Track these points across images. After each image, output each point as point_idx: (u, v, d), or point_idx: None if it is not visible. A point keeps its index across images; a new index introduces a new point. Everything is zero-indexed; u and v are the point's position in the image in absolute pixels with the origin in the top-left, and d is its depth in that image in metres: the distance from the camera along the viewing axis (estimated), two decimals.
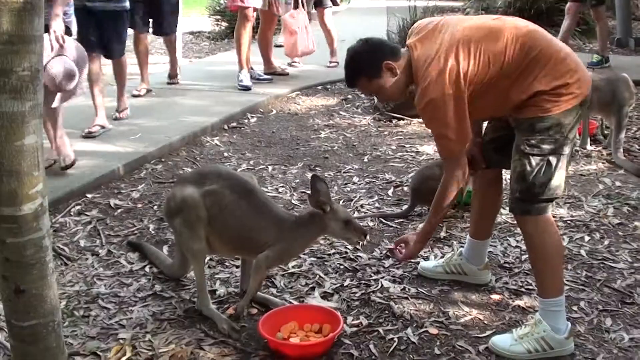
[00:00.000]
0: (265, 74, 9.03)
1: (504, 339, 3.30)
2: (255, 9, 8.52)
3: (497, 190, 3.80)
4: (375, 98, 7.22)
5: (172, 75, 8.73)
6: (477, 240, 3.88)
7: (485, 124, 3.72)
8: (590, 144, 6.25)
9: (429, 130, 3.65)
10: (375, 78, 3.32)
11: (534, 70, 3.11)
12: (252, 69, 8.79)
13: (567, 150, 3.19)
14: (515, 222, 4.58)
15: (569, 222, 4.66)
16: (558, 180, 3.20)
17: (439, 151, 3.40)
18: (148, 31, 8.29)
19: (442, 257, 4.10)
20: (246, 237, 3.52)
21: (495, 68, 3.13)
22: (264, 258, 3.45)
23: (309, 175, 5.55)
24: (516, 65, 3.12)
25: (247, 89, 8.38)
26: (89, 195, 5.14)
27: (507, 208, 4.68)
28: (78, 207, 4.95)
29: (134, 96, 7.87)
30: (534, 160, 3.15)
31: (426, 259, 4.17)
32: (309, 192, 3.43)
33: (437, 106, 3.15)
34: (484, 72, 3.14)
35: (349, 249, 4.29)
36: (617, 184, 5.40)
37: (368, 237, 3.58)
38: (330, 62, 9.87)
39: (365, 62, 3.33)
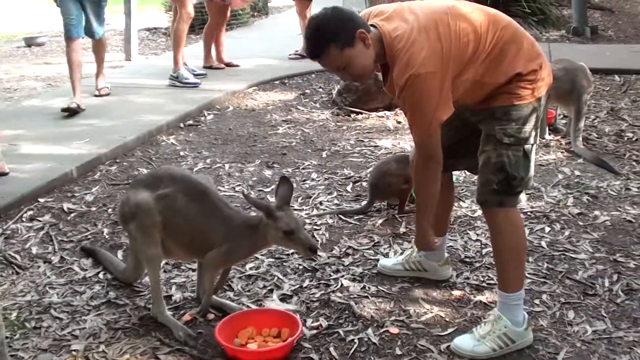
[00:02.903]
0: (204, 67, 8.97)
1: (466, 340, 3.24)
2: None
3: (450, 190, 3.76)
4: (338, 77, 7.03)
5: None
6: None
7: None
8: (549, 134, 6.25)
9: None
10: (348, 47, 3.00)
11: (510, 51, 3.06)
12: (185, 64, 8.51)
13: (537, 139, 3.19)
14: (474, 216, 4.58)
15: (528, 213, 4.63)
16: (532, 170, 3.19)
17: (417, 134, 3.16)
18: None
19: (401, 254, 4.03)
20: (199, 240, 3.44)
21: (472, 49, 3.03)
22: (210, 258, 3.40)
23: (267, 172, 5.51)
24: (492, 46, 3.04)
25: (195, 85, 8.21)
26: (42, 200, 5.01)
27: (468, 201, 4.72)
28: (30, 213, 4.82)
29: None
30: (512, 151, 3.09)
31: (386, 255, 4.11)
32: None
33: (420, 81, 2.94)
34: (464, 52, 3.02)
35: None
36: (577, 173, 5.39)
37: (320, 252, 3.37)
38: (296, 52, 9.64)
39: (337, 28, 3.01)
